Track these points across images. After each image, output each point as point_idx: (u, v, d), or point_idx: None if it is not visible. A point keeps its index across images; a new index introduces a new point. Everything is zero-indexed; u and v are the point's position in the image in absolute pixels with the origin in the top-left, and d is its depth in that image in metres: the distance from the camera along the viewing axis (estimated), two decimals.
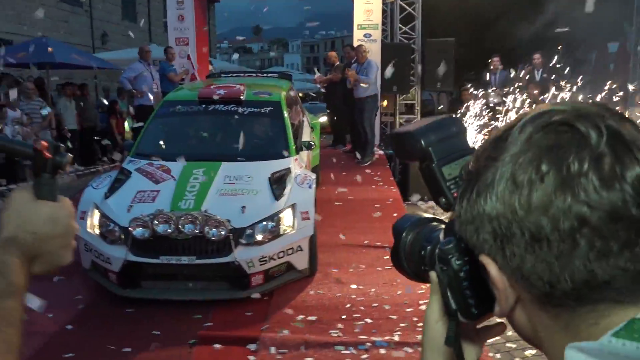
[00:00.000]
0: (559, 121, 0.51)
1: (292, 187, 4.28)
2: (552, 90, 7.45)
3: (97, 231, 4.03)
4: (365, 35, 10.54)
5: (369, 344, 3.29)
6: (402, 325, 3.57)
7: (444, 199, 0.70)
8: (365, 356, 3.16)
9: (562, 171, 0.48)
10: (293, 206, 4.10)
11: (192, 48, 10.87)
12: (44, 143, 0.79)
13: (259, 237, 3.87)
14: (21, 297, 0.72)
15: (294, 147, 4.99)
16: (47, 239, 0.77)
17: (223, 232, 3.72)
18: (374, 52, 9.64)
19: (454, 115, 0.87)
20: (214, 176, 4.28)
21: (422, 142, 0.71)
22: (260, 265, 3.83)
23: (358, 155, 8.67)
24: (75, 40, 17.12)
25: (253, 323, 3.62)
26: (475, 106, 8.54)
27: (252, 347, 3.30)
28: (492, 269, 0.54)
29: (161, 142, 5.14)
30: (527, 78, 9.09)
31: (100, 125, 11.69)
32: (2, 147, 0.84)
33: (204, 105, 5.29)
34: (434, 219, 0.76)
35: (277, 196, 4.12)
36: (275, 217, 3.98)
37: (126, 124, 11.47)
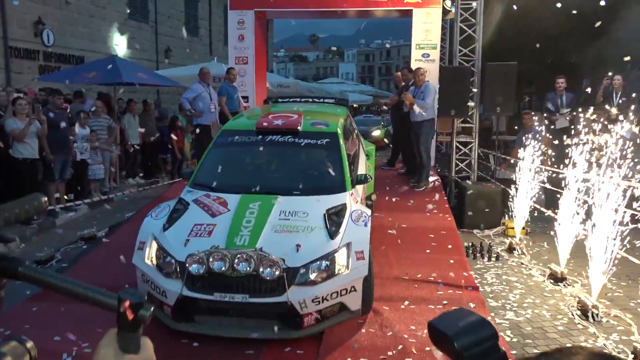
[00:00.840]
0: None
1: (347, 224, 4.21)
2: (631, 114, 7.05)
3: (154, 263, 4.06)
4: (423, 55, 10.45)
5: None
6: None
7: None
8: None
9: None
10: (348, 245, 4.02)
11: (251, 66, 11.14)
12: (127, 303, 0.81)
13: (313, 276, 3.82)
14: None
15: (349, 181, 4.90)
16: None
17: (277, 272, 3.69)
18: (431, 72, 9.54)
19: (488, 318, 0.94)
20: (270, 211, 4.25)
21: (456, 344, 0.75)
22: (314, 305, 3.78)
23: (412, 180, 8.57)
24: (141, 56, 17.87)
25: None
26: (539, 128, 8.27)
27: None
28: None
29: (218, 173, 5.10)
30: (601, 100, 8.69)
31: (161, 140, 12.12)
32: (88, 297, 0.87)
33: (261, 136, 5.25)
34: None
35: (332, 234, 4.05)
36: (329, 257, 3.91)
37: (186, 140, 11.82)
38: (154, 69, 16.63)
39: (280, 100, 7.42)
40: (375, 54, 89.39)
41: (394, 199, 7.87)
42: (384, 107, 10.21)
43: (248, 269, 3.71)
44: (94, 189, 9.48)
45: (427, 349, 3.85)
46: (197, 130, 9.10)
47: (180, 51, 19.99)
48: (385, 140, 17.12)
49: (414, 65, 9.82)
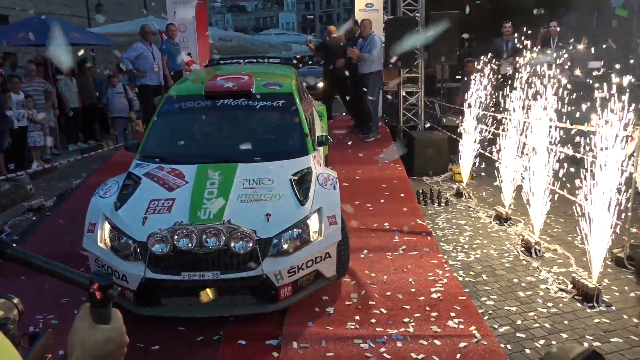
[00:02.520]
0: None
1: (315, 189, 4.02)
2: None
3: (108, 245, 3.74)
4: (367, 5, 10.42)
5: (385, 337, 3.46)
6: (416, 315, 3.74)
7: None
8: (382, 349, 3.33)
9: None
10: (319, 211, 3.85)
11: (191, 21, 10.76)
12: (96, 285, 0.99)
13: (286, 246, 3.63)
14: None
15: (311, 144, 4.68)
16: (106, 356, 1.00)
17: (250, 245, 3.48)
18: (376, 22, 9.56)
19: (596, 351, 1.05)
20: (232, 180, 4.00)
21: None
22: (289, 276, 3.60)
23: (362, 132, 8.74)
24: (70, 12, 16.81)
25: (275, 318, 3.73)
26: (483, 77, 8.52)
27: (274, 342, 3.47)
28: None
29: (169, 143, 4.77)
30: (539, 47, 8.99)
31: (101, 102, 11.65)
32: (62, 276, 1.04)
33: (211, 100, 4.90)
34: None
35: (302, 200, 3.87)
36: (301, 224, 3.74)
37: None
38: (85, 26, 15.72)
39: (222, 62, 6.90)
40: (316, 2, 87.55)
41: (346, 152, 8.03)
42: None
43: (218, 243, 3.47)
44: (35, 157, 9.10)
45: (388, 293, 4.09)
46: (137, 91, 8.85)
47: (112, 6, 18.92)
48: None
49: (358, 16, 9.81)
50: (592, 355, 0.93)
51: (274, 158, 4.36)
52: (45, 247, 5.01)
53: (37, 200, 7.07)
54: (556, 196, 5.18)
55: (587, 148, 4.46)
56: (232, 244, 3.47)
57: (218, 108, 4.88)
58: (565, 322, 3.84)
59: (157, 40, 9.65)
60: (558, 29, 8.97)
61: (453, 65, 11.19)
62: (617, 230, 4.30)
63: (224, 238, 3.46)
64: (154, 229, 3.51)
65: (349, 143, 8.30)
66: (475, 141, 7.23)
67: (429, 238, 5.25)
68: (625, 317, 3.89)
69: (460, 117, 7.64)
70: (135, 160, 4.54)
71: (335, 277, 4.02)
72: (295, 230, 3.70)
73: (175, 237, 3.46)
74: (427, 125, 9.45)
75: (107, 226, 3.81)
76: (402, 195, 6.43)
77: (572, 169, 4.82)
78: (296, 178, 4.10)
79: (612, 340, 3.58)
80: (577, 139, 4.83)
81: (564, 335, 3.65)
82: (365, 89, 8.31)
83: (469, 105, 7.26)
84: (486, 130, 7.05)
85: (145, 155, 4.55)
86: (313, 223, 3.81)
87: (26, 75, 9.31)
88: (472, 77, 7.42)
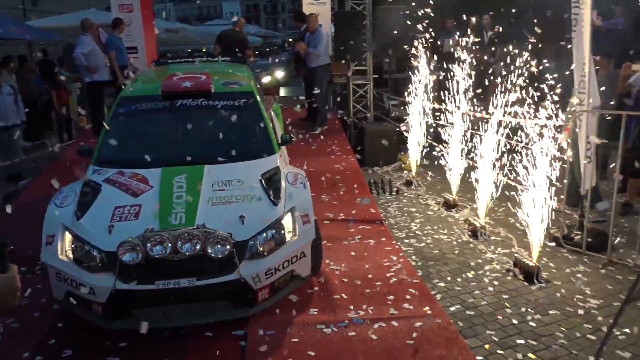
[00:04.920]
0: None
1: (286, 188, 3.99)
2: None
3: (70, 257, 3.55)
4: None
5: (346, 321, 3.67)
6: (374, 299, 3.97)
7: None
8: (344, 333, 3.53)
9: None
10: (292, 210, 3.83)
11: (137, 14, 10.51)
12: None
13: (262, 248, 3.58)
14: None
15: (276, 143, 4.64)
16: (4, 295, 1.40)
17: (227, 248, 3.40)
18: (324, 16, 9.72)
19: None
20: (200, 183, 3.88)
21: None
22: (266, 278, 3.56)
23: (311, 124, 8.91)
24: (3, 3, 16.03)
25: None
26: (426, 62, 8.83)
27: (240, 332, 3.59)
28: None
29: (128, 147, 4.52)
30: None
31: (42, 98, 11.24)
32: None
33: (169, 101, 4.69)
34: None
35: (274, 201, 3.82)
36: (276, 225, 3.69)
37: (72, 100, 11.03)
38: (20, 19, 15.06)
39: (170, 61, 6.51)
40: None
41: (299, 144, 8.16)
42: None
43: (194, 249, 3.36)
44: None
45: (345, 279, 4.30)
46: (83, 87, 8.58)
47: None
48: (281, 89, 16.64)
49: (306, 9, 9.92)
50: None
51: (241, 159, 4.27)
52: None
53: None
54: (499, 182, 5.54)
55: (524, 137, 4.82)
56: (209, 249, 3.38)
57: (177, 109, 4.68)
58: (509, 298, 4.17)
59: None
60: (490, 20, 9.43)
61: (400, 57, 11.54)
62: (553, 212, 4.68)
63: (199, 243, 3.37)
64: (122, 237, 3.36)
65: (300, 136, 8.44)
66: (422, 133, 7.54)
67: (382, 226, 5.50)
68: (563, 291, 4.27)
69: (406, 110, 7.91)
70: (91, 166, 4.31)
71: (310, 277, 4.02)
72: (270, 231, 3.64)
73: (148, 244, 3.33)
74: (375, 115, 9.73)
75: (67, 237, 3.62)
76: (356, 186, 6.65)
77: (512, 157, 5.17)
78: (265, 178, 4.05)
79: (550, 312, 3.94)
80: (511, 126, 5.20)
81: (508, 311, 3.97)
82: (313, 82, 8.47)
83: (415, 97, 7.56)
84: (431, 122, 7.38)
85: (102, 161, 4.33)
86: (287, 223, 3.77)
87: None
88: (416, 69, 7.71)
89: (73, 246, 3.58)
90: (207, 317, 3.54)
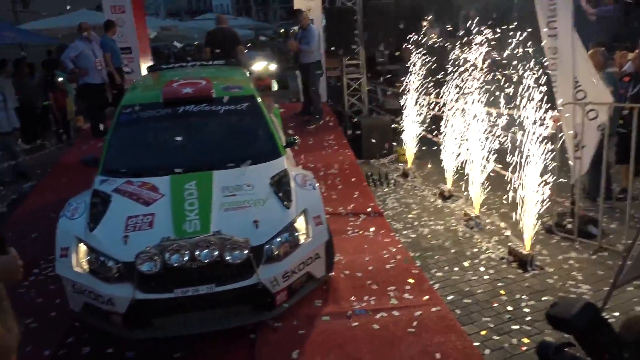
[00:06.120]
0: None
1: (296, 190, 4.02)
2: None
3: (86, 269, 3.58)
4: None
5: (349, 312, 3.85)
6: (374, 290, 4.15)
7: None
8: (348, 324, 3.72)
9: None
10: (304, 212, 3.87)
11: (129, 14, 10.59)
12: None
13: (277, 252, 3.62)
14: None
15: (282, 145, 4.67)
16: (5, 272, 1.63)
17: (245, 254, 3.43)
18: (315, 10, 9.84)
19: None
20: (210, 189, 3.90)
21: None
22: (284, 281, 3.60)
23: (307, 120, 9.07)
24: None
25: None
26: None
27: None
28: None
29: (133, 155, 4.55)
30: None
31: (40, 101, 11.30)
32: None
33: (171, 108, 4.70)
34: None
35: (286, 204, 3.86)
36: (290, 228, 3.73)
37: (69, 101, 11.11)
38: (12, 21, 15.05)
39: (164, 67, 6.47)
40: None
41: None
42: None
43: (212, 256, 3.39)
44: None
45: (346, 272, 4.47)
46: (77, 89, 8.66)
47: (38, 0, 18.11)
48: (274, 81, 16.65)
49: (297, 5, 10.02)
50: (586, 307, 1.34)
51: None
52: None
53: None
54: (493, 173, 5.71)
55: (517, 128, 4.98)
56: (226, 255, 3.41)
57: (180, 115, 4.67)
58: (504, 285, 4.36)
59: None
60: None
61: (392, 50, 11.68)
62: (546, 201, 4.85)
63: (217, 250, 3.39)
64: (138, 247, 3.38)
65: (295, 130, 8.59)
66: (417, 123, 7.69)
67: (381, 218, 5.68)
68: (555, 277, 4.45)
69: (402, 102, 8.05)
70: (98, 176, 4.30)
71: (325, 277, 4.09)
72: (284, 234, 3.68)
73: (166, 253, 3.36)
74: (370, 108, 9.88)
75: (82, 249, 3.64)
76: (353, 179, 6.82)
77: (505, 147, 5.33)
78: (275, 181, 4.08)
79: (543, 298, 4.12)
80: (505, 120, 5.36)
81: (503, 298, 4.16)
82: (307, 79, 8.63)
83: (408, 91, 7.71)
84: (426, 113, 7.53)
85: (109, 170, 4.33)
86: (300, 225, 3.82)
87: None
88: (408, 62, 7.85)
89: (88, 258, 3.60)
90: (227, 322, 3.57)
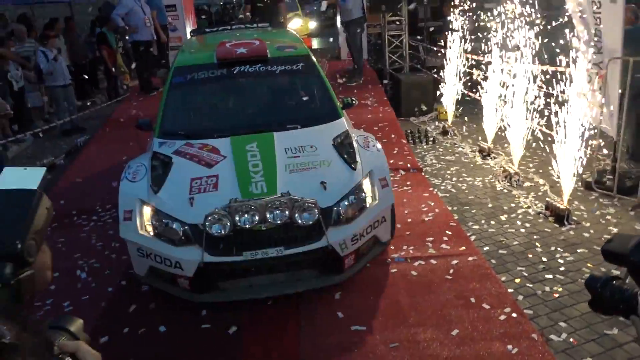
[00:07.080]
0: None
1: (360, 152, 3.90)
2: None
3: (151, 232, 3.51)
4: None
5: (389, 259, 4.07)
6: (413, 241, 4.34)
7: None
8: (387, 270, 3.94)
9: None
10: (370, 174, 3.77)
11: None
12: None
13: (347, 214, 3.52)
14: None
15: (339, 106, 4.49)
16: None
17: (315, 216, 3.34)
18: None
19: None
20: (273, 150, 3.79)
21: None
22: (352, 245, 3.51)
23: (346, 77, 9.15)
24: None
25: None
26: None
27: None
28: None
29: (190, 117, 4.51)
30: None
31: (88, 58, 11.70)
32: None
33: (225, 68, 4.56)
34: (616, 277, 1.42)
35: (352, 165, 3.75)
36: (357, 190, 3.62)
37: (118, 58, 11.46)
38: None
39: (207, 30, 6.33)
40: None
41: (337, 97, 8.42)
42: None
43: (282, 218, 3.31)
44: (35, 118, 9.35)
45: None
46: (130, 46, 8.97)
47: None
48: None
49: None
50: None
51: (309, 124, 4.16)
52: (68, 205, 5.45)
53: (48, 160, 7.47)
54: (533, 130, 5.73)
55: (558, 86, 4.98)
56: (296, 217, 3.33)
57: (235, 76, 4.55)
58: (540, 238, 4.49)
59: None
60: None
61: (435, 5, 11.47)
62: (586, 158, 4.88)
63: (287, 211, 3.31)
64: (205, 208, 3.31)
65: (340, 88, 8.71)
66: (458, 81, 7.67)
67: (419, 174, 5.82)
68: (592, 231, 4.55)
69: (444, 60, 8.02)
70: (155, 138, 4.19)
71: (390, 241, 4.02)
72: (351, 196, 3.57)
73: (236, 215, 3.28)
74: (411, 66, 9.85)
75: (146, 212, 3.57)
76: (393, 136, 6.94)
77: (546, 105, 5.34)
78: (337, 143, 3.96)
79: (578, 250, 4.24)
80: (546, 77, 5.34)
81: (539, 250, 4.30)
82: (347, 35, 8.66)
83: (450, 47, 7.66)
84: (467, 72, 7.50)
85: (166, 132, 4.21)
86: (367, 187, 3.72)
87: (16, 37, 9.38)
88: (450, 18, 7.77)
89: (153, 221, 3.52)
90: (294, 286, 3.48)
